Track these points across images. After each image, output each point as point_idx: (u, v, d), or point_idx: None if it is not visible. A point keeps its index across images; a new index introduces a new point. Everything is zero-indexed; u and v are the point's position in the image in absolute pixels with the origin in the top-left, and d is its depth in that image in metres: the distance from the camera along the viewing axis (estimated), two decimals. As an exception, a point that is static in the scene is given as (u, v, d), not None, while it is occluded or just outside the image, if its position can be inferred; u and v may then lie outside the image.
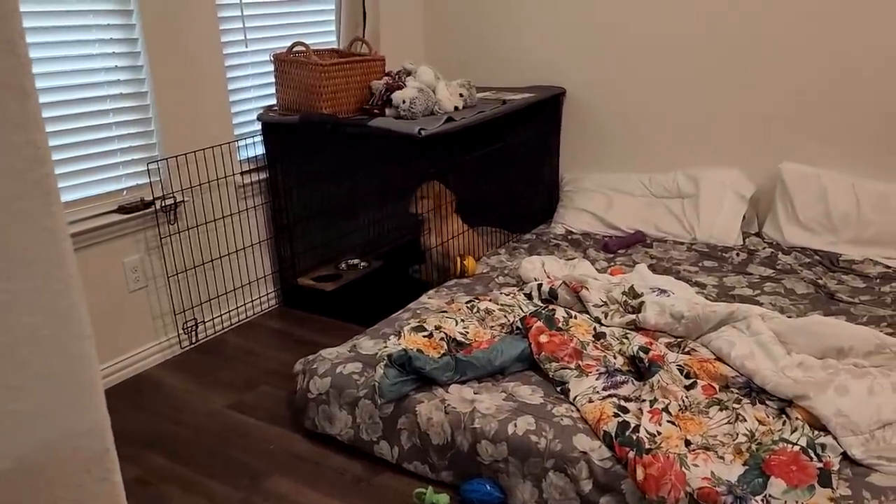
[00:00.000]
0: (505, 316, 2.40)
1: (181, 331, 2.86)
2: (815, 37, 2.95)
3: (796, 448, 1.68)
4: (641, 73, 3.36)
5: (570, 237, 3.32)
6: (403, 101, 2.77)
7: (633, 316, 2.30)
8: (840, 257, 2.86)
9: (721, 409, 1.88)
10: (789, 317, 2.30)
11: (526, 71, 3.63)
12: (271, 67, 2.98)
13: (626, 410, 1.86)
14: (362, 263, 3.43)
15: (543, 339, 2.15)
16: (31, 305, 0.62)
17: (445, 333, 2.23)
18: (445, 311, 2.43)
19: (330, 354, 2.29)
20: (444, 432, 1.97)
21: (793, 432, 1.74)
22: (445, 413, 1.98)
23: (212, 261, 2.94)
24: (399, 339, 2.21)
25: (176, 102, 2.70)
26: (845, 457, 1.71)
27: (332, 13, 3.32)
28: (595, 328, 2.26)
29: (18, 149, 0.62)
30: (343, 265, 3.41)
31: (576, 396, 1.96)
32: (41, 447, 0.65)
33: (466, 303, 2.49)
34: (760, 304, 2.49)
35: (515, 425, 1.88)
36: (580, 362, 2.07)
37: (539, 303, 2.49)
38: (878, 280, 2.69)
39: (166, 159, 2.69)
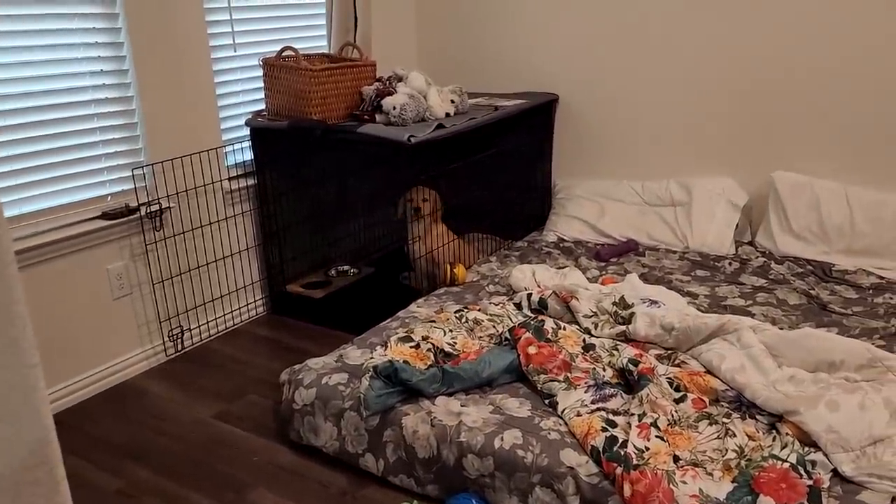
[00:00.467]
0: (494, 326, 2.37)
1: (166, 339, 2.82)
2: (808, 45, 2.94)
3: (786, 465, 1.65)
4: (635, 81, 3.33)
5: (561, 245, 3.30)
6: (394, 108, 2.74)
7: (624, 327, 2.27)
8: (833, 267, 2.84)
9: (711, 424, 1.85)
10: (781, 328, 2.27)
11: (519, 77, 3.60)
12: (260, 72, 2.95)
13: (614, 425, 1.83)
14: (352, 270, 3.40)
15: (532, 350, 2.12)
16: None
17: (433, 344, 2.20)
18: (434, 321, 2.40)
19: (316, 364, 2.25)
20: (429, 445, 1.94)
21: (783, 448, 1.71)
22: (431, 426, 1.94)
23: (198, 267, 2.90)
24: (385, 349, 2.18)
25: (162, 107, 2.67)
26: (836, 474, 1.68)
27: (323, 17, 3.29)
28: (584, 339, 2.23)
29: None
30: (333, 272, 3.37)
31: (564, 409, 1.93)
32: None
33: (455, 312, 2.46)
34: (752, 315, 2.46)
35: (502, 439, 1.85)
36: (569, 374, 2.04)
37: (528, 313, 2.46)
38: (870, 291, 2.67)
39: (152, 165, 2.65)
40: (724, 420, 1.85)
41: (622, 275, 2.86)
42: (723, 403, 1.93)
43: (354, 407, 2.06)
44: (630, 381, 2.02)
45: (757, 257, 3.00)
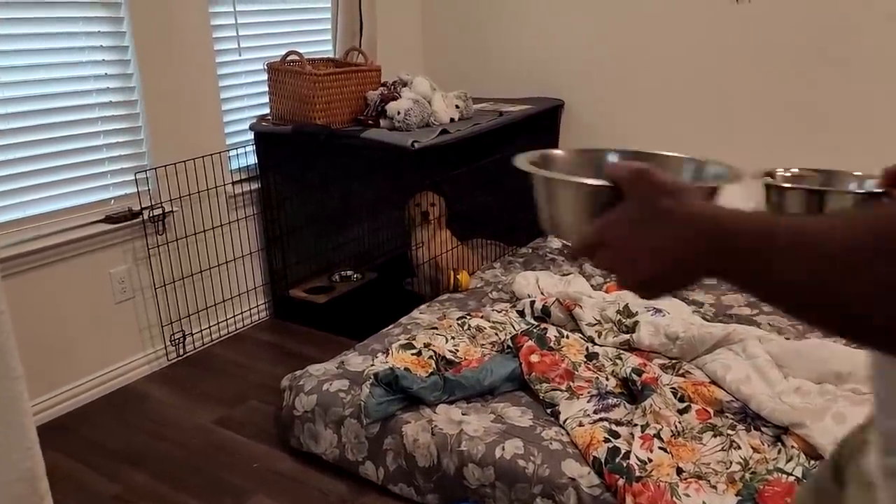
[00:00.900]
0: (496, 334, 2.35)
1: (168, 343, 2.81)
2: (813, 51, 2.91)
3: (792, 478, 1.63)
4: (640, 87, 3.31)
5: (566, 252, 3.27)
6: (398, 113, 2.73)
7: (627, 336, 2.25)
8: (840, 276, 2.81)
9: (715, 436, 1.82)
10: (787, 338, 2.24)
11: (524, 82, 3.59)
12: (265, 76, 2.94)
13: (616, 435, 1.81)
14: (356, 275, 3.38)
15: (534, 358, 2.09)
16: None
17: (434, 351, 2.18)
18: (436, 328, 2.38)
19: (317, 371, 2.24)
20: (430, 454, 1.92)
21: (788, 461, 1.68)
22: (432, 434, 1.92)
23: (201, 272, 2.89)
24: (387, 356, 2.17)
25: (166, 111, 2.66)
26: (842, 488, 1.65)
27: (328, 22, 3.28)
28: (587, 348, 2.21)
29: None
30: (336, 277, 3.36)
31: (566, 419, 1.91)
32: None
33: (458, 319, 2.44)
34: (759, 325, 2.43)
35: (503, 449, 1.83)
36: (571, 383, 2.02)
37: (531, 320, 2.44)
38: (878, 301, 2.63)
39: (155, 169, 2.65)
40: (729, 432, 1.82)
41: (627, 282, 2.83)
42: (727, 415, 1.91)
43: (355, 414, 2.04)
44: (633, 391, 2.00)
45: (763, 266, 2.96)
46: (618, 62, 3.34)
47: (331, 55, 3.25)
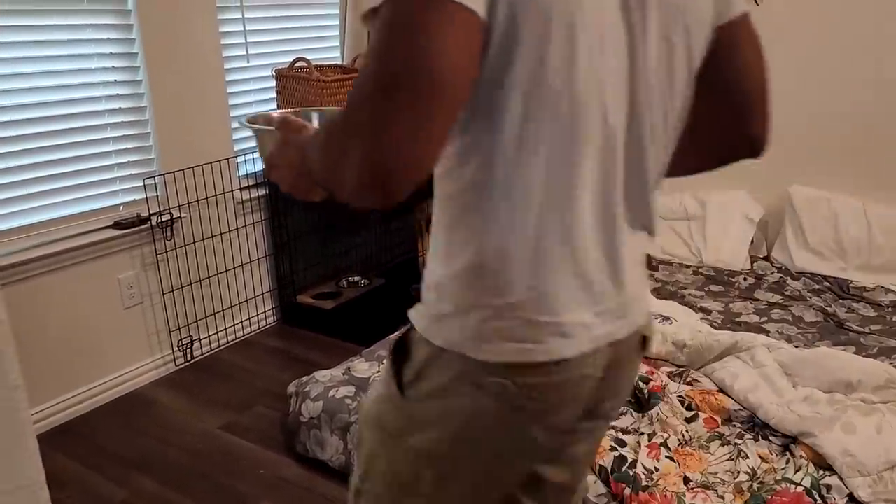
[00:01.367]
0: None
1: (176, 348, 2.82)
2: (826, 58, 2.89)
3: (800, 489, 1.61)
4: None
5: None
6: (405, 119, 2.73)
7: (635, 343, 2.24)
8: (850, 284, 2.79)
9: (722, 445, 1.81)
10: (796, 346, 2.23)
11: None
12: (273, 82, 2.95)
13: (623, 444, 1.80)
14: (363, 281, 3.38)
15: (541, 366, 2.08)
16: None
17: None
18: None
19: (323, 377, 2.24)
20: (435, 462, 1.91)
21: (796, 471, 1.67)
22: (438, 442, 1.92)
23: (209, 277, 2.90)
24: (393, 363, 2.16)
25: (175, 117, 2.68)
26: (851, 499, 1.63)
27: (336, 28, 3.30)
28: (594, 355, 2.19)
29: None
30: (343, 282, 3.36)
31: (572, 427, 1.90)
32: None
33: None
34: (767, 333, 2.42)
35: (509, 457, 1.82)
36: (578, 391, 2.01)
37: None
38: (889, 308, 2.61)
39: (164, 175, 2.66)
40: (737, 441, 1.81)
41: (635, 289, 2.82)
42: (735, 424, 1.89)
43: (361, 421, 2.04)
44: (640, 400, 1.99)
45: (772, 273, 2.95)
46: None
47: (339, 62, 3.26)
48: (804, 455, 1.72)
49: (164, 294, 2.75)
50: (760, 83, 0.96)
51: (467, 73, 0.71)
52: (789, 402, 1.87)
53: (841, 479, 1.65)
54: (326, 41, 3.31)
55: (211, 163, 2.82)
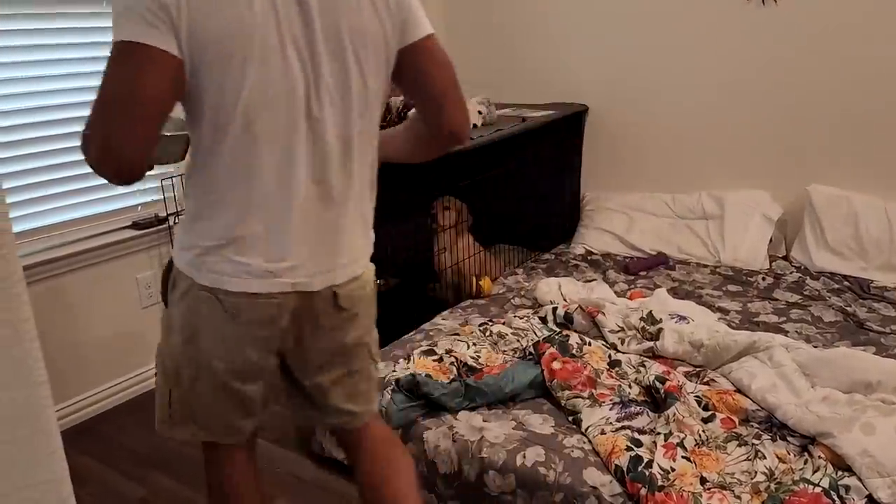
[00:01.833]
0: (518, 340, 2.34)
1: (194, 347, 2.84)
2: (845, 56, 2.87)
3: (818, 490, 1.60)
4: (666, 91, 3.29)
5: (589, 258, 3.26)
6: (420, 119, 2.74)
7: (651, 343, 2.23)
8: (871, 284, 2.76)
9: (740, 445, 1.80)
10: (815, 346, 2.21)
11: (548, 87, 3.58)
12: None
13: (639, 444, 1.79)
14: (379, 281, 3.39)
15: (556, 365, 2.08)
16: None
17: (456, 358, 2.18)
18: (458, 334, 2.38)
19: (339, 376, 2.24)
20: (451, 461, 1.91)
21: (815, 472, 1.65)
22: (453, 441, 1.92)
23: (226, 277, 2.92)
24: (408, 362, 2.17)
25: (193, 119, 2.70)
26: (871, 500, 1.61)
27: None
28: (610, 355, 2.19)
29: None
30: (359, 282, 3.37)
31: (588, 427, 1.89)
32: (-10, 500, 0.61)
33: (479, 325, 2.44)
34: (786, 333, 2.39)
35: (524, 456, 1.82)
36: (594, 391, 2.01)
37: (553, 327, 2.43)
38: (910, 308, 2.58)
39: (181, 175, 2.68)
40: (754, 441, 1.80)
41: (651, 289, 2.81)
42: (753, 424, 1.88)
43: (376, 420, 2.05)
44: (657, 399, 1.98)
45: (791, 272, 2.92)
46: (643, 67, 3.32)
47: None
48: (822, 456, 1.70)
49: (181, 294, 2.77)
50: (444, 87, 1.33)
51: (164, 94, 1.09)
52: (808, 403, 1.85)
53: (860, 479, 1.63)
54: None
55: (228, 163, 2.84)
